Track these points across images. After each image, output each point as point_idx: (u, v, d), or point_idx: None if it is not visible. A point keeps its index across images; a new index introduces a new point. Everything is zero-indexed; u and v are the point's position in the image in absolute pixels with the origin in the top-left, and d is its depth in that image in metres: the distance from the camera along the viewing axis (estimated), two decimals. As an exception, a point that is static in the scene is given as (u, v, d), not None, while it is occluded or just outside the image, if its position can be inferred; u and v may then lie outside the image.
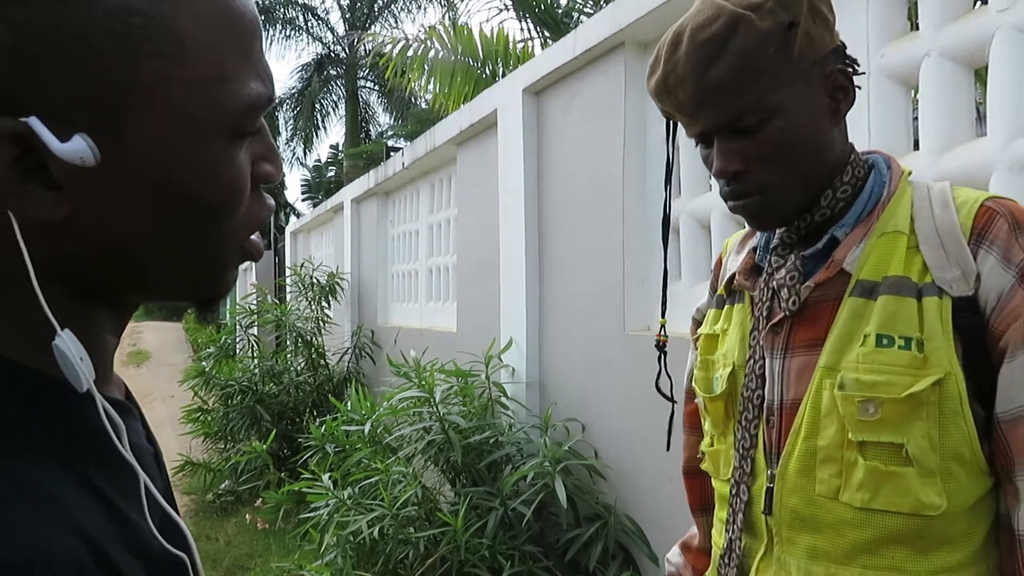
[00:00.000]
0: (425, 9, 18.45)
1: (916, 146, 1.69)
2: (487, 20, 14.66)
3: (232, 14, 0.46)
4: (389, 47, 6.40)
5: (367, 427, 3.04)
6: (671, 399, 1.17)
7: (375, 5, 17.28)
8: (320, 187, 23.91)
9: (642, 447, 2.42)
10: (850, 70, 0.89)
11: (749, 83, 0.82)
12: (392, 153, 5.56)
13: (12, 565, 0.36)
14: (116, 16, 0.41)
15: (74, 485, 0.42)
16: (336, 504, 2.84)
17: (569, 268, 2.88)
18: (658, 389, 1.17)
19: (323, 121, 19.74)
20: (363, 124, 19.34)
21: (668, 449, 1.21)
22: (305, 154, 21.41)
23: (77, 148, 0.41)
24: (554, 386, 2.97)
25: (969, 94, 1.59)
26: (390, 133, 19.22)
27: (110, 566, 0.41)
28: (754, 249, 0.99)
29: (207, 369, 6.14)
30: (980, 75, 1.71)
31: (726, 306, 1.03)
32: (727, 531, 0.97)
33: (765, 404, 0.92)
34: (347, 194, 6.24)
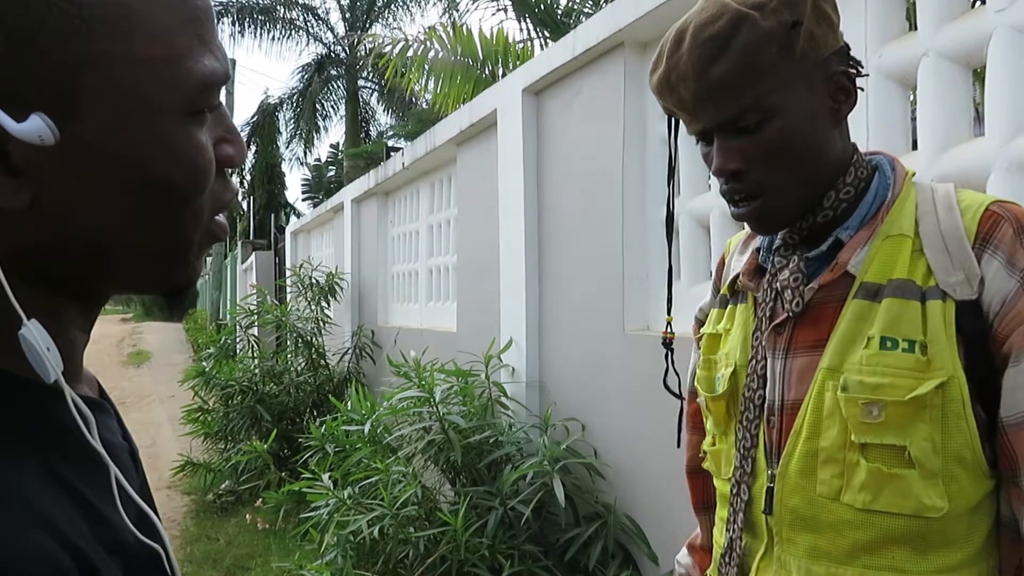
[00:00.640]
0: (424, 9, 18.41)
1: (914, 146, 1.69)
2: (485, 19, 14.66)
3: None
4: (389, 48, 6.41)
5: (367, 427, 3.04)
6: (679, 396, 1.18)
7: (375, 5, 17.28)
8: (320, 187, 23.92)
9: (642, 446, 2.43)
10: (853, 72, 0.89)
11: (751, 82, 0.82)
12: (392, 153, 5.57)
13: None
14: None
15: (46, 483, 0.42)
16: (336, 504, 2.85)
17: (569, 268, 2.88)
18: (666, 387, 1.18)
19: (324, 121, 19.77)
20: (363, 124, 19.36)
21: (679, 446, 1.21)
22: (305, 154, 21.44)
23: (35, 127, 0.40)
24: (554, 386, 2.97)
25: (967, 94, 1.59)
26: (390, 133, 19.23)
27: (84, 562, 0.41)
28: (757, 250, 1.00)
29: (207, 369, 6.14)
30: (979, 74, 1.71)
31: (729, 306, 1.03)
32: (728, 530, 0.97)
33: (766, 404, 0.92)
34: (347, 194, 6.24)
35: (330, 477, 2.99)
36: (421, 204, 4.93)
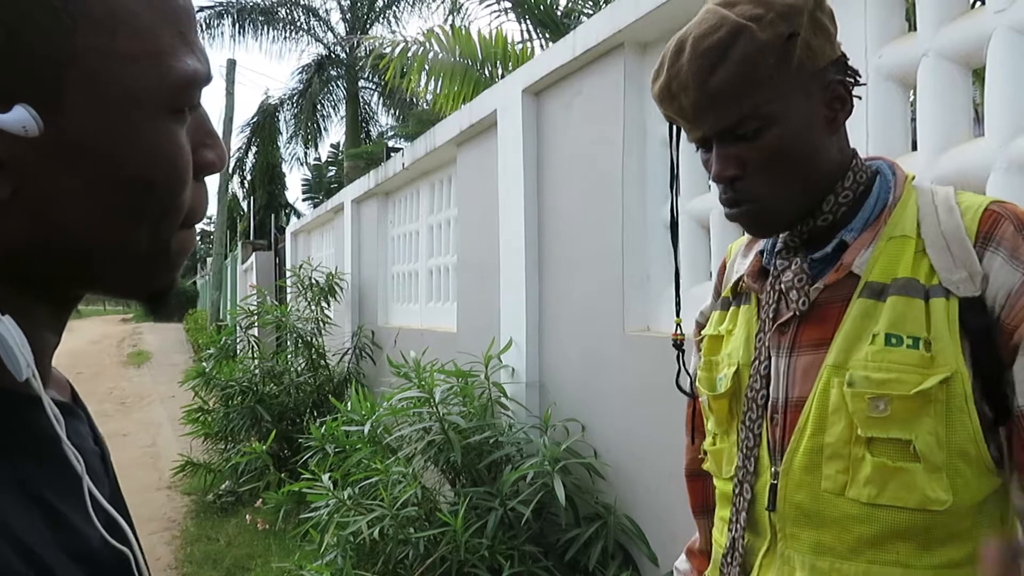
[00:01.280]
0: (423, 8, 18.41)
1: (914, 146, 1.69)
2: (488, 24, 14.68)
3: None
4: (388, 49, 6.41)
5: (367, 427, 3.04)
6: (691, 395, 1.19)
7: (376, 5, 17.28)
8: (321, 187, 23.93)
9: (642, 447, 2.43)
10: (850, 81, 0.91)
11: (749, 91, 0.85)
12: (392, 153, 5.57)
13: None
14: None
15: (7, 490, 0.41)
16: (336, 504, 2.85)
17: (569, 268, 2.88)
18: (679, 387, 1.18)
19: (324, 122, 19.78)
20: (363, 125, 19.35)
21: (693, 443, 1.21)
22: (306, 154, 21.44)
23: (19, 118, 0.40)
24: (554, 386, 2.97)
25: (967, 94, 1.59)
26: (391, 134, 19.24)
27: (44, 571, 0.40)
28: (761, 252, 1.02)
29: (207, 370, 6.14)
30: (979, 75, 1.71)
31: (731, 308, 1.05)
32: (730, 529, 0.98)
33: (769, 402, 0.94)
34: (347, 194, 6.24)
35: (330, 478, 2.99)
36: (421, 204, 4.93)
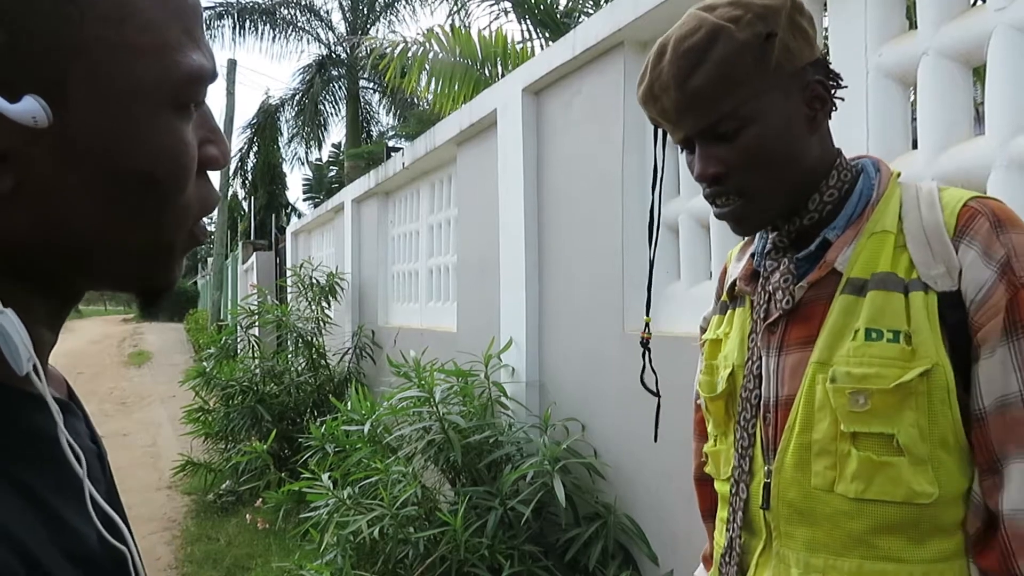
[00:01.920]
0: (424, 7, 18.41)
1: (915, 145, 1.69)
2: (488, 24, 14.68)
3: None
4: (389, 49, 6.41)
5: (367, 427, 3.04)
6: (656, 393, 1.23)
7: (376, 5, 17.28)
8: (321, 187, 23.96)
9: (641, 446, 2.42)
10: (832, 84, 0.93)
11: (727, 91, 0.87)
12: (392, 153, 5.57)
13: None
14: None
15: (2, 488, 0.41)
16: (336, 504, 2.84)
17: (568, 267, 2.88)
18: (643, 384, 1.21)
19: (325, 121, 19.78)
20: (364, 124, 19.36)
21: (656, 441, 1.24)
22: (307, 154, 21.45)
23: (29, 108, 0.40)
24: (553, 386, 2.97)
25: (967, 93, 1.59)
26: (391, 133, 19.24)
27: (39, 571, 0.40)
28: (753, 255, 1.03)
29: (208, 369, 6.14)
30: (979, 73, 1.71)
31: (728, 311, 1.07)
32: (727, 530, 0.99)
33: (762, 402, 0.95)
34: (348, 194, 6.24)
35: (330, 477, 2.98)
36: (421, 204, 4.93)
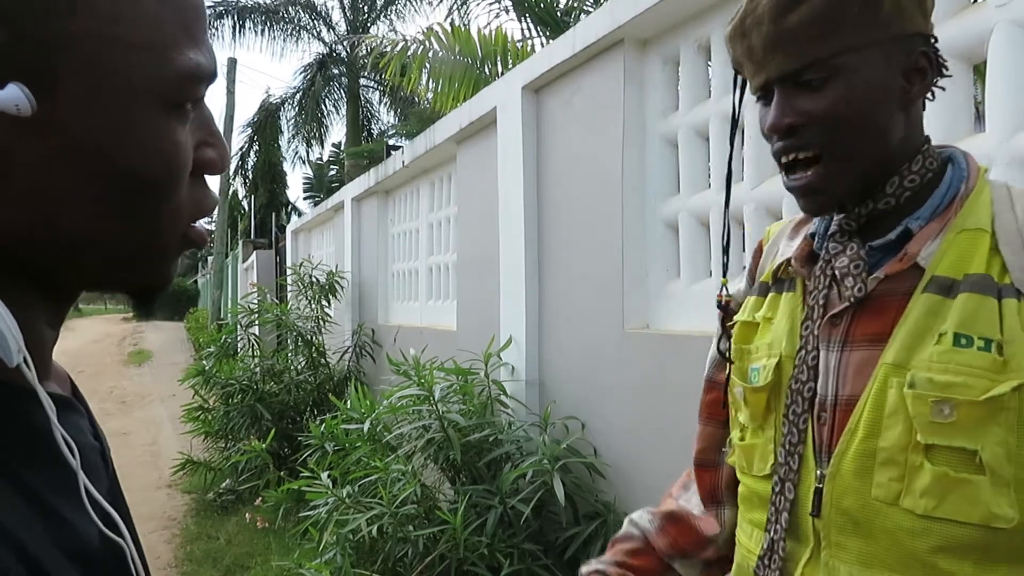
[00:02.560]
0: (424, 6, 18.39)
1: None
2: (488, 23, 14.68)
3: None
4: (388, 49, 6.41)
5: (367, 425, 3.03)
6: (730, 360, 1.05)
7: (376, 3, 17.28)
8: (322, 186, 23.94)
9: (641, 445, 2.42)
10: (939, 64, 0.87)
11: (826, 33, 0.80)
12: (392, 152, 5.57)
13: None
14: None
15: (1, 487, 0.40)
16: (335, 502, 2.84)
17: (568, 266, 2.88)
18: (719, 350, 1.08)
19: (326, 120, 19.78)
20: (364, 123, 19.36)
21: (706, 430, 1.13)
22: (308, 153, 21.45)
23: (12, 96, 0.39)
24: (553, 384, 2.97)
25: (968, 89, 1.58)
26: (391, 132, 19.23)
27: (36, 568, 0.39)
28: (812, 235, 0.94)
29: (208, 368, 6.14)
30: (979, 71, 1.70)
31: (771, 294, 0.97)
32: (769, 532, 0.91)
33: (817, 399, 0.87)
34: (348, 193, 6.24)
35: (329, 476, 2.98)
36: (421, 202, 4.93)
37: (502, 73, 5.73)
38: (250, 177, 22.26)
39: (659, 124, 2.47)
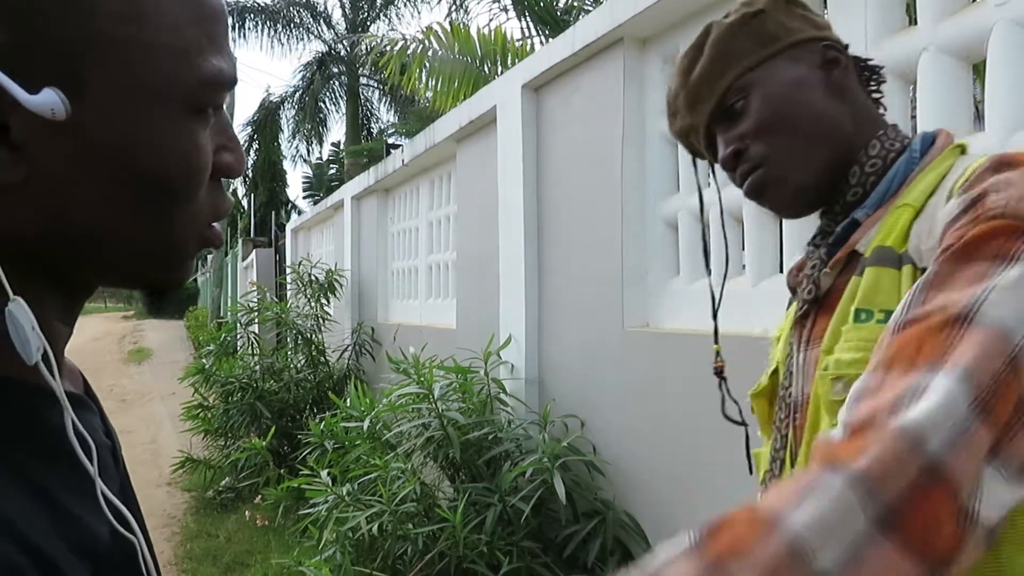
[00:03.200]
0: (424, 5, 18.38)
1: (914, 141, 1.68)
2: (487, 23, 14.68)
3: None
4: (388, 48, 6.41)
5: (366, 424, 3.04)
6: (743, 423, 1.06)
7: (376, 2, 17.26)
8: (322, 185, 23.91)
9: (641, 443, 2.42)
10: (864, 66, 0.92)
11: (725, 66, 0.88)
12: (392, 150, 5.57)
13: None
14: None
15: (11, 485, 0.40)
16: (335, 500, 2.85)
17: (568, 264, 2.88)
18: (725, 415, 1.06)
19: (326, 119, 19.77)
20: (364, 122, 19.34)
21: (751, 473, 1.07)
22: (308, 151, 21.43)
23: (48, 100, 0.40)
24: (553, 382, 2.97)
25: (967, 89, 1.58)
26: (391, 131, 19.22)
27: (46, 565, 0.39)
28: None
29: (207, 366, 6.14)
30: (978, 70, 1.71)
31: (792, 306, 0.99)
32: None
33: (792, 401, 0.88)
34: (347, 191, 6.24)
35: (329, 474, 2.98)
36: (421, 201, 4.93)
37: (502, 72, 5.72)
38: (250, 175, 22.24)
39: (659, 123, 2.48)
